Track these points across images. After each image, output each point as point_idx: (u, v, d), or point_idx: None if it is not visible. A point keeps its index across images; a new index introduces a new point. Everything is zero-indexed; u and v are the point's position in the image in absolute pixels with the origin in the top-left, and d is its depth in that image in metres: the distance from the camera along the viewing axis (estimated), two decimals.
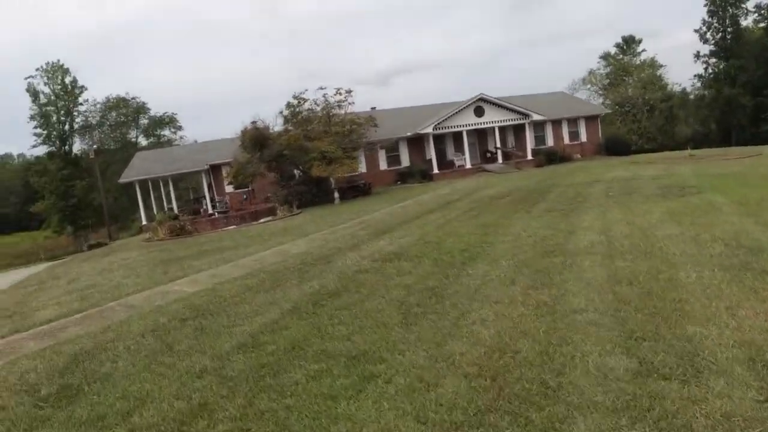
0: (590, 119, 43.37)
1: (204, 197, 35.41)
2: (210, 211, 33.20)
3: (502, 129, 38.08)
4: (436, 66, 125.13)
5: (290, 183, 26.88)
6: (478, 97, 36.43)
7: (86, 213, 55.23)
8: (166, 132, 62.11)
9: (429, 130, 35.13)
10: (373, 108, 39.94)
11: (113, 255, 17.95)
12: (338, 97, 28.34)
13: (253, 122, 29.70)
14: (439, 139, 36.86)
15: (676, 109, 63.36)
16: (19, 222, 74.03)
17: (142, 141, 62.02)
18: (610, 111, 52.61)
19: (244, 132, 27.93)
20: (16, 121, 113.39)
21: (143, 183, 34.84)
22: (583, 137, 42.61)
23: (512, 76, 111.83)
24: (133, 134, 62.07)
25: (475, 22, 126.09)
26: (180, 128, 62.29)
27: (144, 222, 33.70)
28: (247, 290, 7.81)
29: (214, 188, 34.79)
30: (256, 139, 25.92)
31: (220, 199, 23.63)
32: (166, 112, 61.54)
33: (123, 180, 34.66)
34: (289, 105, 29.19)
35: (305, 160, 24.94)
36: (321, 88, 28.03)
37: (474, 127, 36.82)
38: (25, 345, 6.58)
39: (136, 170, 35.32)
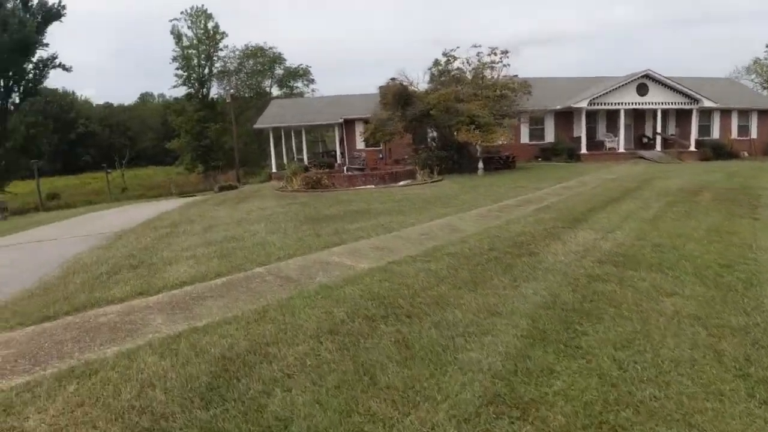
0: (763, 113, 37.35)
1: (335, 151, 34.40)
2: (340, 165, 32.12)
3: (664, 113, 33.60)
4: (570, 40, 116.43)
5: (430, 146, 24.80)
6: (643, 73, 32.13)
7: (217, 155, 56.77)
8: (299, 84, 62.27)
9: (583, 104, 31.50)
10: (515, 75, 36.81)
11: (249, 202, 16.76)
12: (492, 57, 25.67)
13: (392, 79, 27.96)
14: (590, 116, 33.11)
15: None
16: (155, 157, 78.22)
17: (276, 91, 62.66)
18: None
19: (387, 87, 26.10)
20: (158, 62, 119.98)
21: (276, 131, 34.25)
22: (753, 133, 36.88)
23: (655, 56, 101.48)
24: (267, 83, 62.80)
25: None
26: (312, 81, 62.25)
27: (274, 170, 33.24)
28: (439, 281, 5.76)
29: (345, 143, 33.59)
30: (399, 95, 23.95)
31: (356, 154, 22.11)
32: (300, 64, 61.63)
33: (257, 126, 34.26)
34: (436, 63, 26.99)
35: (451, 124, 22.67)
36: (474, 46, 25.53)
37: (633, 107, 32.67)
38: (151, 321, 4.91)
39: (270, 117, 34.82)
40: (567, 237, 8.09)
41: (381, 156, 28.86)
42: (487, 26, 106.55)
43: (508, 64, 25.66)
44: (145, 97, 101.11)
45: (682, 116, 34.64)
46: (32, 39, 42.14)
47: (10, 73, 42.87)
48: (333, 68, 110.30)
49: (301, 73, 61.19)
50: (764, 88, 62.34)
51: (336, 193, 17.64)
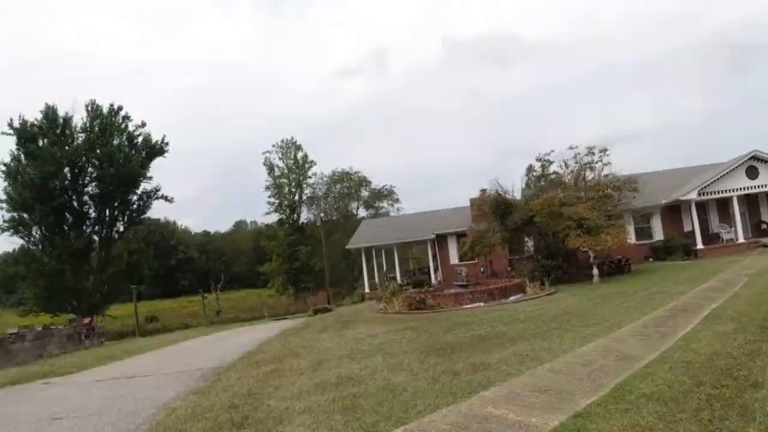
0: None
1: (428, 268, 33.50)
2: (434, 282, 31.00)
3: None
4: (639, 137, 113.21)
5: (535, 256, 23.39)
6: (751, 154, 29.76)
7: (307, 277, 57.39)
8: (384, 204, 63.52)
9: (692, 195, 29.30)
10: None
11: (352, 327, 15.61)
12: (591, 157, 24.54)
13: (483, 190, 27.31)
14: (699, 208, 30.72)
15: None
16: (248, 280, 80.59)
17: (362, 212, 64.08)
18: None
19: (482, 198, 25.41)
20: (251, 192, 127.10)
21: (368, 250, 34.05)
22: None
23: (728, 143, 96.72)
24: (353, 206, 64.47)
25: (680, 89, 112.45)
26: (397, 200, 63.38)
27: (367, 290, 32.56)
28: None
29: (438, 259, 32.69)
30: (498, 204, 23.08)
31: (458, 270, 21.02)
32: (385, 185, 63.18)
33: (350, 246, 34.18)
34: (530, 169, 26.15)
35: (558, 229, 21.32)
36: (571, 148, 24.54)
37: (745, 192, 30.14)
38: None
39: (362, 237, 34.75)
40: None
41: (482, 270, 27.62)
42: (561, 133, 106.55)
43: (609, 162, 24.39)
44: (239, 225, 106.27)
45: None
46: (137, 173, 45.21)
47: (116, 203, 45.68)
48: (413, 186, 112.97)
49: (385, 194, 62.66)
50: None
51: (445, 314, 16.31)
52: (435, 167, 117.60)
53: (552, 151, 25.09)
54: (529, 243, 28.27)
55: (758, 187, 29.90)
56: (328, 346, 12.24)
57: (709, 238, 30.44)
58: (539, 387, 6.60)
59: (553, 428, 5.13)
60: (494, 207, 23.02)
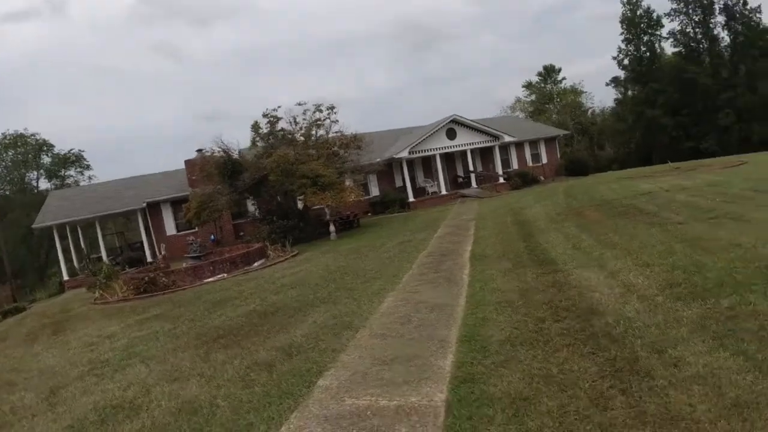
0: (549, 141, 41.85)
1: (140, 242, 29.31)
2: (151, 258, 27.29)
3: (470, 152, 35.03)
4: (339, 103, 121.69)
5: (270, 217, 21.80)
6: (451, 118, 33.26)
7: None
8: (72, 173, 53.96)
9: (404, 154, 31.23)
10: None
11: (73, 330, 11.74)
12: (318, 115, 23.79)
13: (199, 150, 24.70)
14: (408, 165, 33.05)
15: (598, 133, 64.73)
16: None
17: (44, 184, 53.68)
18: (568, 132, 51.38)
19: (204, 159, 22.75)
20: None
21: (61, 228, 28.21)
22: (544, 159, 40.80)
23: (416, 109, 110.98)
24: (32, 176, 53.55)
25: (370, 66, 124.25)
26: (88, 167, 54.27)
27: (66, 277, 27.04)
28: None
29: (152, 231, 28.83)
30: (225, 164, 20.81)
31: (191, 240, 18.26)
32: (72, 150, 53.63)
33: (37, 224, 27.70)
34: (255, 126, 24.28)
35: (293, 188, 20.10)
36: (300, 104, 23.42)
37: (446, 151, 33.50)
38: None
39: (52, 213, 28.50)
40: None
41: (213, 237, 24.99)
42: (259, 99, 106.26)
43: (337, 120, 24.03)
44: None
45: (486, 153, 36.60)
46: None
47: None
48: (103, 153, 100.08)
49: (73, 160, 53.12)
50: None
51: (189, 292, 13.77)
52: (126, 132, 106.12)
53: (279, 107, 23.67)
54: (256, 205, 26.79)
55: (456, 146, 33.33)
56: (52, 363, 8.73)
57: (417, 191, 32.99)
58: (381, 358, 5.49)
59: (446, 401, 3.92)
60: (222, 167, 20.72)
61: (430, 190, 33.57)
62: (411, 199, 31.37)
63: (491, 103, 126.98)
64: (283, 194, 21.42)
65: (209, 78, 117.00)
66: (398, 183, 33.67)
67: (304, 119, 23.58)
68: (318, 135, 23.81)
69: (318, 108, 23.74)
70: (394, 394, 4.56)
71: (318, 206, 23.20)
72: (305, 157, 20.97)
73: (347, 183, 23.52)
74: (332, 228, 21.00)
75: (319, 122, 23.75)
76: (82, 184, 50.60)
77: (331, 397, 4.81)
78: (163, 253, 22.87)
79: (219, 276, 15.69)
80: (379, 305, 7.95)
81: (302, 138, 23.27)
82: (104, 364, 7.67)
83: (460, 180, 35.75)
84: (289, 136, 23.11)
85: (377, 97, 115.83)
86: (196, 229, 28.46)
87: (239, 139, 49.24)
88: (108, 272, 18.01)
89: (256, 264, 16.93)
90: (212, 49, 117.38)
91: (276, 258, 17.65)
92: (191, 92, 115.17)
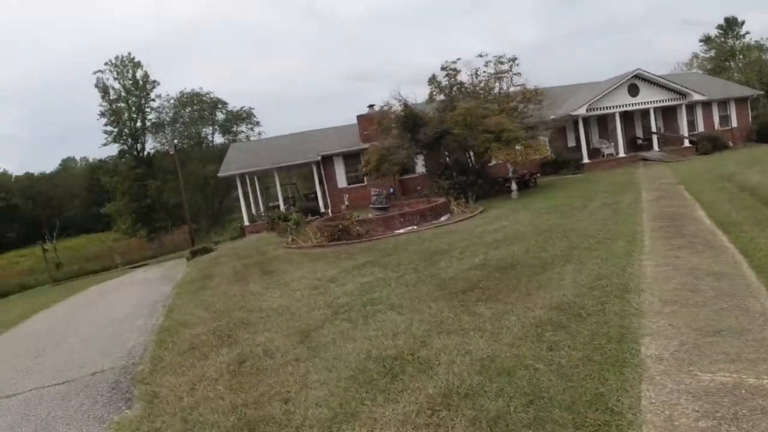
0: (740, 102, 36.66)
1: (314, 194, 30.36)
2: (323, 210, 28.17)
3: (653, 112, 31.84)
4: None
5: (447, 172, 21.28)
6: (634, 73, 30.17)
7: (159, 215, 51.08)
8: (243, 128, 57.56)
9: (581, 111, 29.02)
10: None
11: (283, 272, 11.70)
12: (500, 67, 22.61)
13: (371, 106, 24.64)
14: (584, 124, 30.81)
15: None
16: (83, 225, 71.21)
17: (218, 138, 57.97)
18: (762, 93, 45.32)
19: (383, 113, 22.62)
20: (78, 124, 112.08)
21: (242, 177, 29.94)
22: (734, 122, 35.93)
23: (560, 66, 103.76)
24: (207, 131, 57.92)
25: (513, 19, 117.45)
26: (257, 123, 57.66)
27: (246, 222, 28.80)
28: None
29: (325, 183, 29.68)
30: (406, 118, 20.48)
31: (376, 191, 18.27)
32: (243, 107, 57.12)
33: (222, 173, 29.63)
34: (432, 80, 23.68)
35: (476, 143, 19.32)
36: (480, 55, 22.36)
37: (626, 109, 30.64)
38: None
39: (235, 163, 30.35)
40: None
41: (392, 191, 25.10)
42: (404, 60, 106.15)
43: (519, 73, 22.68)
44: (67, 163, 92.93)
45: (667, 113, 33.17)
46: None
47: None
48: (267, 110, 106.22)
49: (244, 117, 56.63)
50: None
51: (386, 242, 13.65)
52: (283, 92, 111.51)
53: (458, 59, 22.76)
54: (424, 161, 26.47)
55: (638, 104, 30.46)
56: (283, 303, 8.54)
57: (590, 153, 30.71)
58: (701, 329, 5.20)
59: None
60: (403, 121, 20.40)
61: (606, 151, 31.10)
62: (585, 160, 29.29)
63: (651, 61, 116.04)
64: (462, 150, 20.70)
65: (355, 39, 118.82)
66: (570, 143, 31.58)
67: (484, 72, 22.53)
68: (498, 88, 22.66)
69: (499, 60, 22.54)
70: (755, 371, 3.78)
71: (491, 164, 22.33)
72: (487, 112, 20.02)
73: (541, 138, 22.18)
74: (514, 186, 19.97)
75: (500, 74, 22.54)
76: (252, 138, 53.77)
77: (675, 369, 4.04)
78: (346, 203, 23.33)
79: (408, 228, 15.43)
80: (640, 269, 6.99)
81: (482, 92, 22.26)
82: (346, 308, 7.39)
83: (640, 142, 32.77)
84: (470, 89, 22.20)
85: (520, 53, 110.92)
86: (365, 183, 28.90)
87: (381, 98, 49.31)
88: (297, 219, 18.61)
89: (442, 218, 16.49)
90: (351, 12, 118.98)
91: (460, 214, 17.09)
92: (335, 53, 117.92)
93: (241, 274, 12.98)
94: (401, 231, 15.25)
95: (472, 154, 21.16)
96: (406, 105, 21.06)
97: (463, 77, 22.61)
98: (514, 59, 22.48)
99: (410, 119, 20.46)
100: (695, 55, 67.52)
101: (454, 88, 22.48)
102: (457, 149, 21.02)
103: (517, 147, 18.88)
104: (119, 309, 11.61)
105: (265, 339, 6.62)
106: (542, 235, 10.69)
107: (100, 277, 27.64)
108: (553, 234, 10.59)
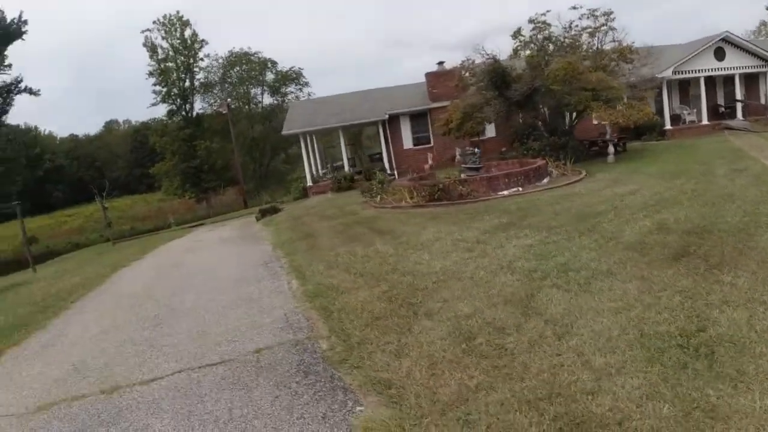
0: None
1: (379, 154, 29.29)
2: (389, 171, 27.12)
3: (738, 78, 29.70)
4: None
5: (537, 133, 19.97)
6: (722, 36, 27.98)
7: (208, 175, 50.67)
8: (292, 89, 56.46)
9: (667, 73, 27.12)
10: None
11: (395, 234, 10.63)
12: (594, 21, 20.92)
13: (440, 63, 23.19)
14: (667, 88, 28.92)
15: None
16: (127, 186, 71.82)
17: (267, 99, 57.07)
18: None
19: (465, 68, 21.28)
20: (122, 86, 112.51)
21: (304, 136, 28.89)
22: None
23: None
24: (256, 92, 57.00)
25: None
26: (306, 84, 56.42)
27: (309, 183, 27.96)
28: None
29: (391, 144, 28.57)
30: (495, 73, 19.14)
31: (470, 150, 17.15)
32: (292, 67, 55.86)
33: (286, 132, 28.68)
34: (516, 33, 22.19)
35: (571, 102, 17.91)
36: (574, 8, 20.71)
37: (711, 74, 28.61)
38: None
39: (297, 121, 29.33)
40: None
41: (478, 150, 23.86)
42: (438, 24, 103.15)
43: (615, 28, 20.92)
44: (110, 125, 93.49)
45: (750, 81, 31.03)
46: None
47: None
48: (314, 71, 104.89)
49: (293, 77, 55.46)
50: None
51: (498, 203, 12.58)
52: (326, 54, 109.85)
53: (548, 11, 21.11)
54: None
55: (724, 69, 28.46)
56: (445, 265, 7.43)
57: (671, 119, 28.94)
58: None
59: None
60: (492, 75, 19.04)
61: (688, 118, 29.26)
62: (668, 126, 27.58)
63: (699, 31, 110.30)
64: (554, 109, 19.33)
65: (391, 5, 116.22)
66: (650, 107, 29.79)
67: (577, 26, 20.89)
68: (591, 44, 21.04)
69: (593, 13, 20.86)
70: None
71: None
72: (587, 69, 18.53)
73: (644, 98, 20.60)
74: (611, 149, 18.58)
75: (597, 29, 20.84)
76: (302, 99, 52.67)
77: None
78: (430, 162, 22.24)
79: (513, 189, 14.30)
80: None
81: (581, 46, 20.68)
82: (539, 273, 6.28)
83: (722, 110, 30.75)
84: (565, 43, 20.61)
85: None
86: (431, 144, 27.75)
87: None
88: (381, 179, 17.65)
89: (544, 181, 15.32)
90: None
91: (561, 177, 15.86)
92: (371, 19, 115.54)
93: (349, 234, 11.98)
94: (505, 192, 14.13)
95: (567, 113, 19.73)
96: (495, 59, 19.64)
97: (555, 31, 21.00)
98: (609, 13, 20.77)
99: (499, 74, 19.08)
100: (763, 23, 63.74)
101: (546, 42, 20.89)
102: (554, 108, 19.56)
103: (619, 107, 17.41)
104: (224, 268, 10.75)
105: (472, 309, 5.47)
106: (697, 200, 9.43)
107: (159, 237, 27.00)
108: (709, 199, 9.31)
